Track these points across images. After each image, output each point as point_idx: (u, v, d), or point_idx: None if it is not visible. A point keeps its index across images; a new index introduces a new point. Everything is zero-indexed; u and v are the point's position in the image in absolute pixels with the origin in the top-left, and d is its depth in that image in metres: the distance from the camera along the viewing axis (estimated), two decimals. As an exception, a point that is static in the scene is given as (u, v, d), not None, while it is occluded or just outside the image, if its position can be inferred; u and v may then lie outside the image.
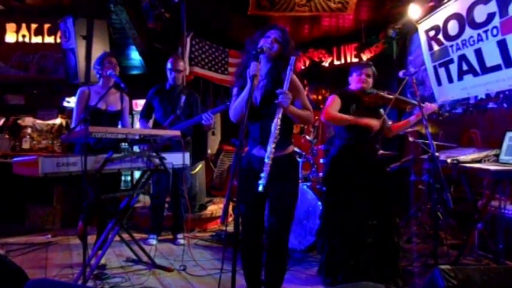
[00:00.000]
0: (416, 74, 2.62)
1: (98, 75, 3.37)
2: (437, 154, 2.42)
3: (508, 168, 2.71)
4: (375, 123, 2.81)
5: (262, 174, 1.84)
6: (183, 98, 4.00)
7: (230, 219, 4.84)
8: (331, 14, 5.76)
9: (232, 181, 1.71)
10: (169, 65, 3.98)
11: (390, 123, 3.18)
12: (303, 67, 6.61)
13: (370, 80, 2.95)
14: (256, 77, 1.99)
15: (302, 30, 6.45)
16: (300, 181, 3.72)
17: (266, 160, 1.88)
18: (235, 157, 1.73)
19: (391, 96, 2.89)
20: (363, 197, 2.79)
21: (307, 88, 7.62)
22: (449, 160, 2.96)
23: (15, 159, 2.60)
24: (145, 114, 4.09)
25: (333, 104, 2.87)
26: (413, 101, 3.00)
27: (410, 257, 3.34)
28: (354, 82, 2.97)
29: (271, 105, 2.05)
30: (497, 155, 3.01)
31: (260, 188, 1.83)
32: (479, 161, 2.95)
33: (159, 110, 4.00)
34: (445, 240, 3.70)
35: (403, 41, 5.82)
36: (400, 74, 2.82)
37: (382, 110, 3.00)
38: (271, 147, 1.91)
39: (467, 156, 2.97)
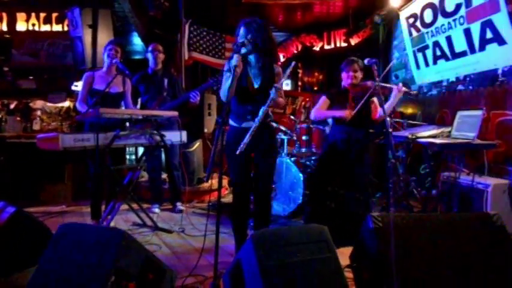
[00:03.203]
0: (376, 62, 2.96)
1: (104, 62, 3.80)
2: (391, 130, 2.83)
3: (451, 141, 3.15)
4: (346, 114, 3.14)
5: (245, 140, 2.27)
6: (166, 80, 4.37)
7: (226, 192, 5.36)
8: (322, 2, 6.10)
9: (214, 152, 2.12)
10: (150, 48, 4.33)
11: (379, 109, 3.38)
12: (295, 51, 6.98)
13: (358, 74, 3.24)
14: (239, 67, 2.42)
15: (295, 16, 6.76)
16: (287, 157, 4.18)
17: (252, 127, 2.32)
18: (217, 132, 2.14)
19: (373, 85, 3.06)
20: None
21: (300, 71, 8.02)
22: (410, 135, 3.40)
23: (38, 135, 3.03)
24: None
25: (321, 104, 3.30)
26: (392, 85, 3.30)
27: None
28: (344, 79, 3.30)
29: (265, 91, 2.51)
30: (450, 132, 3.45)
31: (238, 152, 2.25)
32: (434, 137, 3.39)
33: (146, 95, 4.33)
34: (415, 208, 4.19)
35: (388, 26, 6.17)
36: (365, 61, 3.10)
37: (375, 99, 3.29)
38: (259, 121, 2.36)
39: (426, 132, 3.41)
